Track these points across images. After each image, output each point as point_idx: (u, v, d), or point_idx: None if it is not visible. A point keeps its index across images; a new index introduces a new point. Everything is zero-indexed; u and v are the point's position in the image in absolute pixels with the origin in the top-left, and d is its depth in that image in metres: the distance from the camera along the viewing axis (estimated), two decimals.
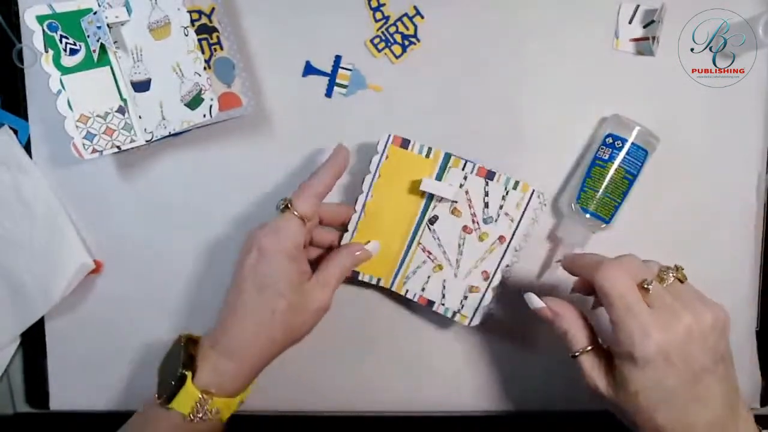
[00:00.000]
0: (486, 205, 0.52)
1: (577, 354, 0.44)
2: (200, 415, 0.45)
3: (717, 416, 0.40)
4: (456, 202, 0.52)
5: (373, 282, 0.54)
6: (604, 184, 0.52)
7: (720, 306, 0.42)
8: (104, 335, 0.58)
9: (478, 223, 0.52)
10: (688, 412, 0.40)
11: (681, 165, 0.55)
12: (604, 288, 0.41)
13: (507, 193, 0.51)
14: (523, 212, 0.51)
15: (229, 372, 0.47)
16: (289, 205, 0.48)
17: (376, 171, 0.52)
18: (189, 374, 0.45)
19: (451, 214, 0.52)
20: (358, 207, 0.53)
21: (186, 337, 0.49)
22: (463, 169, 0.51)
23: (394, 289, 0.54)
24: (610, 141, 0.52)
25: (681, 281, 0.42)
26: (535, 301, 0.46)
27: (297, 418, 0.59)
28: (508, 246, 0.52)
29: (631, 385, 0.41)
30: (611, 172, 0.52)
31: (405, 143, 0.51)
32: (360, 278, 0.54)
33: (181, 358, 0.46)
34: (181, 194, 0.56)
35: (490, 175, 0.51)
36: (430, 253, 0.53)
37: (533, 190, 0.51)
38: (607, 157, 0.52)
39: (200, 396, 0.45)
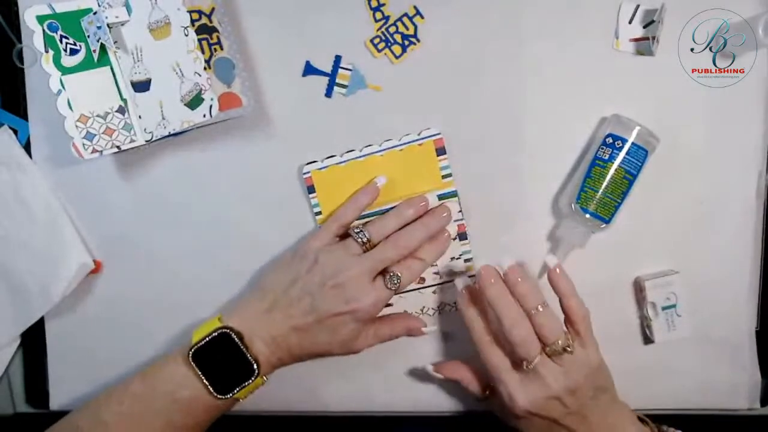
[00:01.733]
0: None
1: (480, 399, 0.54)
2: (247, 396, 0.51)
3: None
4: None
5: None
6: (604, 184, 0.52)
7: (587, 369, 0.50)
8: (104, 335, 0.58)
9: None
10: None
11: (681, 165, 0.54)
12: (486, 363, 0.51)
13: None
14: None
15: (277, 365, 0.52)
16: (397, 287, 0.51)
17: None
18: (258, 370, 0.50)
19: None
20: None
21: (235, 332, 0.50)
22: None
23: None
24: (610, 141, 0.52)
25: (568, 351, 0.49)
26: (434, 373, 0.55)
27: (297, 418, 0.59)
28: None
29: (521, 427, 0.52)
30: (611, 172, 0.52)
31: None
32: None
33: (249, 355, 0.49)
34: (181, 194, 0.56)
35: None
36: None
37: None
38: (607, 157, 0.52)
39: (262, 384, 0.51)
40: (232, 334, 0.49)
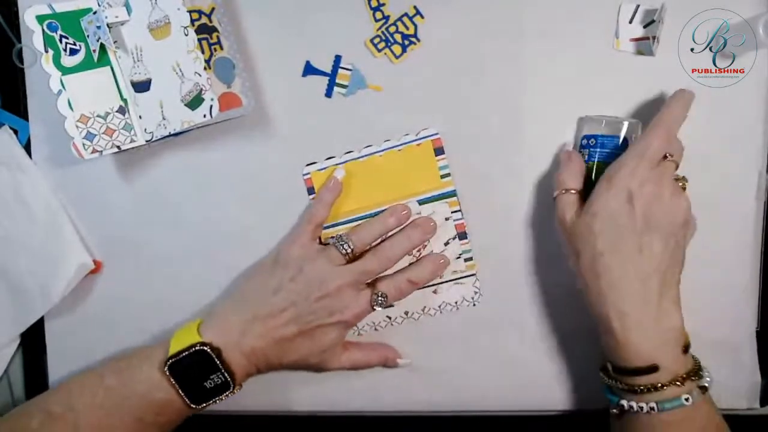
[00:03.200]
0: None
1: (562, 193, 0.51)
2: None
3: (647, 276, 0.46)
4: None
5: None
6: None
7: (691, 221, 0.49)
8: (104, 335, 0.58)
9: None
10: (623, 253, 0.46)
11: (681, 165, 0.54)
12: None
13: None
14: None
15: (253, 374, 0.52)
16: (383, 306, 0.52)
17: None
18: (233, 384, 0.50)
19: None
20: None
21: (213, 348, 0.49)
22: None
23: None
24: (585, 142, 0.52)
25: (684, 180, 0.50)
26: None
27: (296, 418, 0.59)
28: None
29: (594, 206, 0.47)
30: (595, 170, 0.52)
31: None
32: None
33: (225, 372, 0.49)
34: (180, 194, 0.56)
35: None
36: None
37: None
38: (586, 158, 0.52)
39: (235, 393, 0.51)
40: (210, 351, 0.49)
